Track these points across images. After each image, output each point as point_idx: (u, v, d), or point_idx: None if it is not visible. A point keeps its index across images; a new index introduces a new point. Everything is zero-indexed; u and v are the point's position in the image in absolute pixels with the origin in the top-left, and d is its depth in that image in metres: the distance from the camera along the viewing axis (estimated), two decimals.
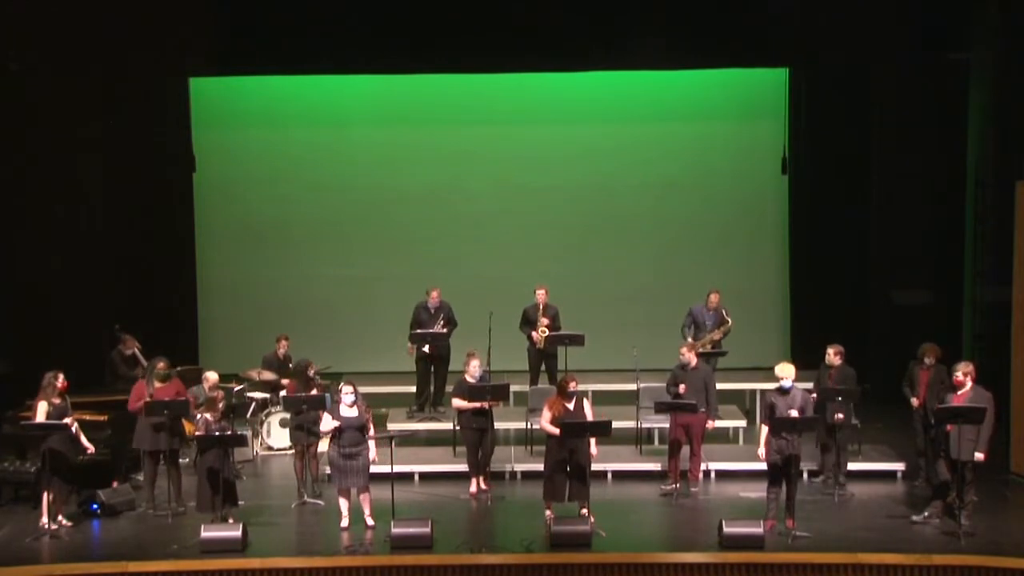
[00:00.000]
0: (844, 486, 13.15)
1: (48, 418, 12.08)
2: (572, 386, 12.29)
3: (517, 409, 15.16)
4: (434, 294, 15.40)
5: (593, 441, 12.32)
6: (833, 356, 13.24)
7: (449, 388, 15.08)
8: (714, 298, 15.24)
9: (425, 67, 17.29)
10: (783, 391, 12.12)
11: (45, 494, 12.10)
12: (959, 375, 12.08)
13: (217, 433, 12.10)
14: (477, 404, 13.10)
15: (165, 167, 17.37)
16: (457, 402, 13.21)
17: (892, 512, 12.67)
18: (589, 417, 12.29)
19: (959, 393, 12.02)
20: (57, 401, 12.22)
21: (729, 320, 15.22)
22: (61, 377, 12.31)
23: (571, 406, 12.27)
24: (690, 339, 14.81)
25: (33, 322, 16.22)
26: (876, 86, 17.00)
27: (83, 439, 12.39)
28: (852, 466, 13.46)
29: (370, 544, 11.80)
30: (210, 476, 12.00)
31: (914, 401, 13.20)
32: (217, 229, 18.22)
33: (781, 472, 12.02)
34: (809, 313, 17.71)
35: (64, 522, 12.21)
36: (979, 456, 11.84)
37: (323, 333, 17.52)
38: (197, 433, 12.30)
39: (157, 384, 12.97)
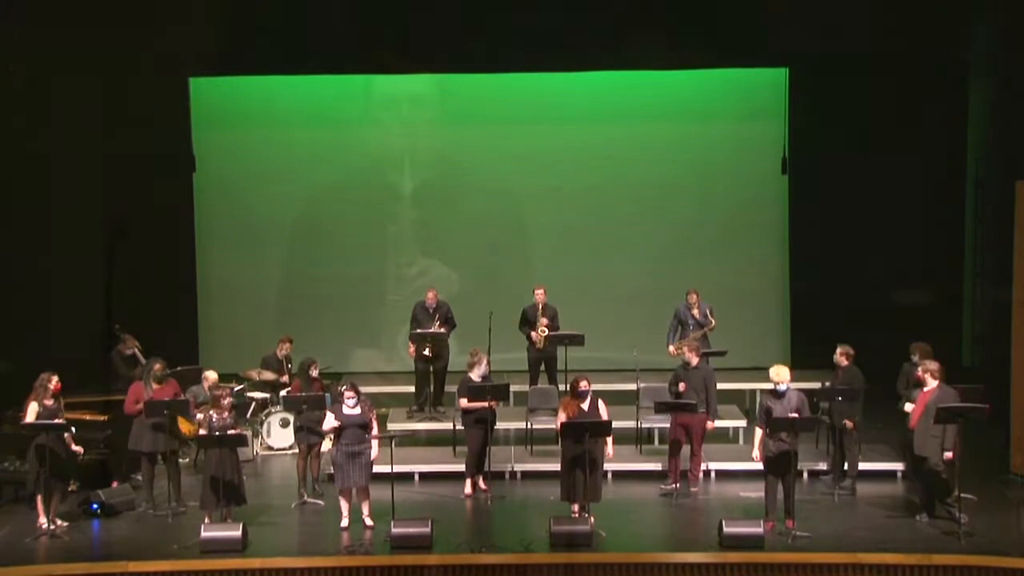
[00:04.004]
0: (850, 486, 13.17)
1: (39, 419, 12.08)
2: (583, 386, 12.30)
3: (517, 409, 15.16)
4: (430, 295, 15.43)
5: (610, 441, 12.33)
6: (839, 356, 13.24)
7: (448, 388, 15.12)
8: (692, 298, 15.31)
9: (425, 67, 17.30)
10: (778, 394, 12.14)
11: (40, 495, 12.11)
12: (920, 372, 12.15)
13: (218, 433, 12.11)
14: (484, 404, 13.12)
15: (165, 167, 17.36)
16: (464, 401, 13.22)
17: (892, 512, 12.68)
18: (604, 417, 12.29)
19: (925, 390, 12.08)
20: (49, 403, 12.21)
21: (712, 320, 15.26)
22: (55, 379, 12.31)
23: (585, 406, 12.27)
24: (674, 344, 14.96)
25: (33, 322, 16.22)
26: (876, 86, 17.00)
27: (72, 444, 12.42)
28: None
29: (370, 544, 11.81)
30: (213, 475, 12.01)
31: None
32: (217, 229, 18.21)
33: (778, 467, 12.03)
34: (809, 313, 17.70)
35: (59, 522, 12.21)
36: (948, 455, 11.87)
37: (323, 333, 17.52)
38: (201, 432, 12.31)
39: (155, 385, 12.98)
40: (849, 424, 13.07)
